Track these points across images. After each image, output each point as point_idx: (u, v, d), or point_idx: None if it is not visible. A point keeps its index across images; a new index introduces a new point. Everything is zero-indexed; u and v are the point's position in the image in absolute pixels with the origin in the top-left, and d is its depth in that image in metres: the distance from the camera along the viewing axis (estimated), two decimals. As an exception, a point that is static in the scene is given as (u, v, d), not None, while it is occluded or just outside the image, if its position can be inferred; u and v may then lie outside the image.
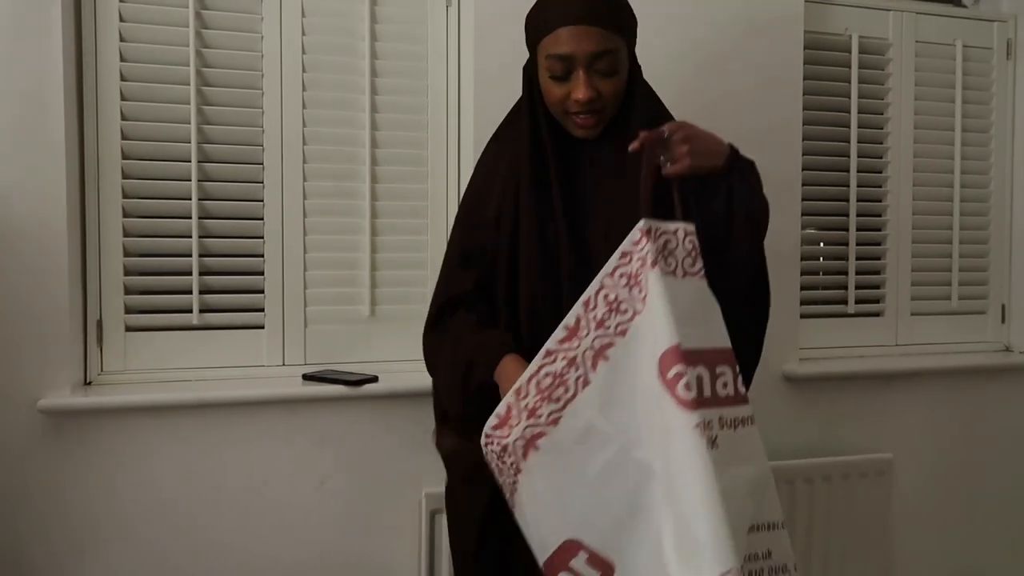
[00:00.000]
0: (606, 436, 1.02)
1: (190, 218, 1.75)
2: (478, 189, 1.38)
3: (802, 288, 2.09)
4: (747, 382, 1.20)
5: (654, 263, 1.02)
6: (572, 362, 1.03)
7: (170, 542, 1.70)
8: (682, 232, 1.09)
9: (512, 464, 1.04)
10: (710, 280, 1.11)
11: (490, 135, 1.73)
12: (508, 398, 1.05)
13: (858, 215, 2.20)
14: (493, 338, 1.23)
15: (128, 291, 1.75)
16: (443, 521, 1.78)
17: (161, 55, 1.74)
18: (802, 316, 2.10)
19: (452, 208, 1.91)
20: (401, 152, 1.89)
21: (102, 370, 1.74)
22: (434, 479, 1.80)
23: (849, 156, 2.19)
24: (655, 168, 1.13)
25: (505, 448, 1.04)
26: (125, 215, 1.73)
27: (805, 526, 2.00)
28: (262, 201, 1.81)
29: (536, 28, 1.24)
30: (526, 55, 1.76)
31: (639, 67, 1.29)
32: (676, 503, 0.96)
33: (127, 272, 1.74)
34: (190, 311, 1.76)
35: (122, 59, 1.71)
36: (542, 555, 1.06)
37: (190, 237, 1.75)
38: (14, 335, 1.61)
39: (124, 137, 1.72)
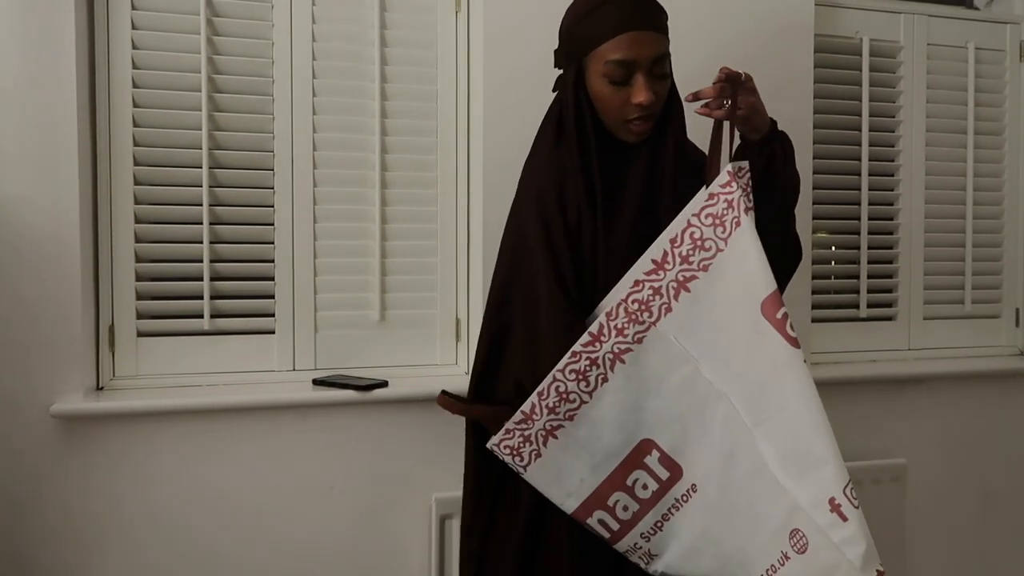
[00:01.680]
0: (683, 356, 1.15)
1: (201, 224, 1.76)
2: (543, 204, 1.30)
3: (814, 292, 2.08)
4: None
5: (747, 209, 1.13)
6: (657, 291, 1.15)
7: (179, 546, 1.70)
8: (744, 171, 1.20)
9: (599, 376, 1.16)
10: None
11: (499, 140, 1.74)
12: (600, 318, 1.16)
13: (870, 218, 2.19)
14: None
15: (140, 296, 1.76)
16: (453, 525, 1.78)
17: (173, 63, 1.75)
18: (814, 320, 2.09)
19: (462, 212, 1.91)
20: (411, 158, 1.89)
21: (114, 375, 1.75)
22: (444, 484, 1.80)
23: (860, 159, 2.18)
24: (732, 109, 1.22)
25: (594, 361, 1.16)
26: (137, 221, 1.75)
27: (818, 532, 1.98)
28: (273, 207, 1.82)
29: (589, 36, 1.23)
30: (535, 59, 1.76)
31: (674, 82, 1.32)
32: (782, 424, 1.09)
33: (139, 278, 1.75)
34: (201, 316, 1.77)
35: (134, 67, 1.73)
36: (613, 461, 1.19)
37: (201, 243, 1.76)
38: (27, 340, 1.62)
39: (136, 144, 1.74)
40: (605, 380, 1.17)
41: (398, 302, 1.89)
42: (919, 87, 2.23)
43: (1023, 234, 2.34)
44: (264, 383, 1.80)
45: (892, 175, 2.22)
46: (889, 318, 2.24)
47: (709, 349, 1.14)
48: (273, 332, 1.83)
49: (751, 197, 1.17)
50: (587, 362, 1.16)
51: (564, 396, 1.17)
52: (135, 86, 1.73)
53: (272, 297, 1.82)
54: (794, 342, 1.09)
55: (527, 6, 1.80)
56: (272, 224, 1.82)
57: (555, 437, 1.19)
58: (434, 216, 1.91)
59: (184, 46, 1.75)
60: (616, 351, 1.16)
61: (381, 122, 1.86)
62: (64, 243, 1.64)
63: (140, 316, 1.76)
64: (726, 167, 1.15)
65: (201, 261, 1.76)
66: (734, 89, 1.21)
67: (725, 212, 1.14)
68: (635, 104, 1.21)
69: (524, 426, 1.20)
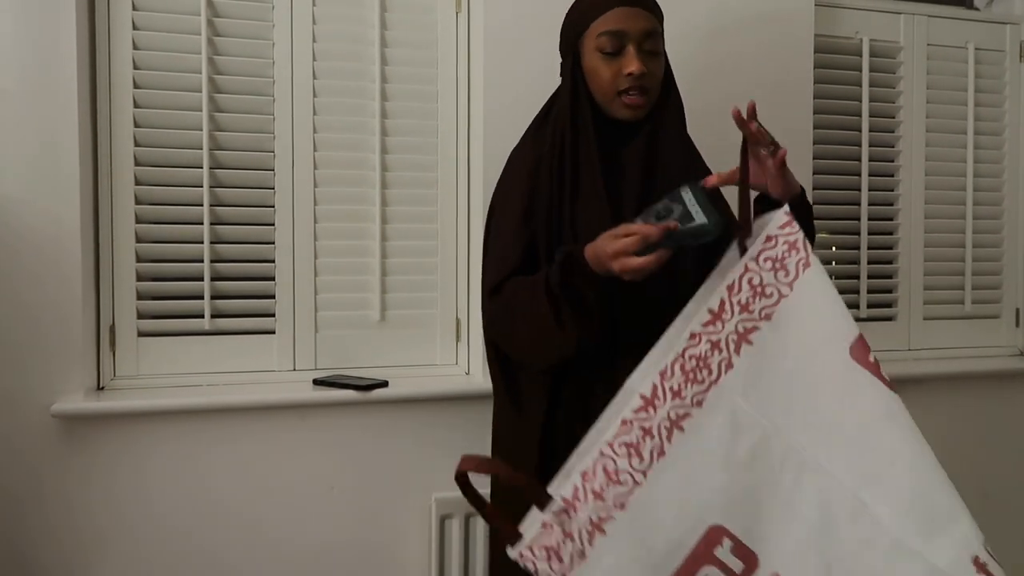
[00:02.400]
0: (752, 419, 1.00)
1: (202, 224, 1.76)
2: (517, 173, 1.37)
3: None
4: None
5: (811, 251, 1.03)
6: (716, 345, 1.02)
7: (180, 545, 1.71)
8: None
9: (653, 449, 0.98)
10: None
11: (499, 141, 1.74)
12: (653, 377, 1.00)
13: (870, 219, 2.19)
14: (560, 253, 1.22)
15: (140, 296, 1.76)
16: (453, 526, 1.79)
17: (174, 63, 1.75)
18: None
19: (462, 212, 1.91)
20: (411, 158, 1.89)
21: (115, 375, 1.75)
22: (444, 484, 1.81)
23: (860, 160, 2.18)
24: (783, 154, 1.16)
25: (647, 431, 0.99)
26: (138, 221, 1.75)
27: (818, 532, 1.98)
28: (273, 207, 1.82)
29: (583, 15, 1.29)
30: (535, 59, 1.77)
31: (671, 71, 1.35)
32: (896, 480, 0.97)
33: (140, 277, 1.76)
34: (202, 316, 1.77)
35: (135, 67, 1.73)
36: (676, 558, 0.98)
37: (202, 243, 1.76)
38: (28, 340, 1.62)
39: (137, 144, 1.74)
40: (662, 454, 0.98)
41: (398, 302, 1.90)
42: (919, 87, 2.23)
43: (1023, 234, 2.34)
44: (264, 383, 1.80)
45: (892, 175, 2.23)
46: (889, 318, 2.24)
47: (783, 408, 1.00)
48: (273, 332, 1.83)
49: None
50: (640, 432, 0.98)
51: (613, 477, 0.96)
52: (136, 86, 1.73)
53: (272, 297, 1.83)
54: (892, 386, 0.98)
55: (527, 7, 1.80)
56: (272, 224, 1.82)
57: (603, 532, 0.95)
58: (434, 216, 1.91)
59: (185, 46, 1.75)
60: (673, 417, 0.99)
61: (381, 122, 1.86)
62: (65, 243, 1.64)
63: (141, 316, 1.76)
64: (783, 208, 1.05)
65: (202, 261, 1.77)
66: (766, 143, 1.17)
67: (787, 255, 1.03)
68: (626, 74, 1.24)
69: (564, 518, 0.95)
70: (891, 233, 2.23)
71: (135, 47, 1.73)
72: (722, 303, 1.02)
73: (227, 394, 1.73)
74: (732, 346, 1.01)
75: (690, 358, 1.01)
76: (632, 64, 1.23)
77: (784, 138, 1.98)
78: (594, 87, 1.29)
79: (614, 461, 0.97)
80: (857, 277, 2.19)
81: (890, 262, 2.23)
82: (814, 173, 2.06)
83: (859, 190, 2.18)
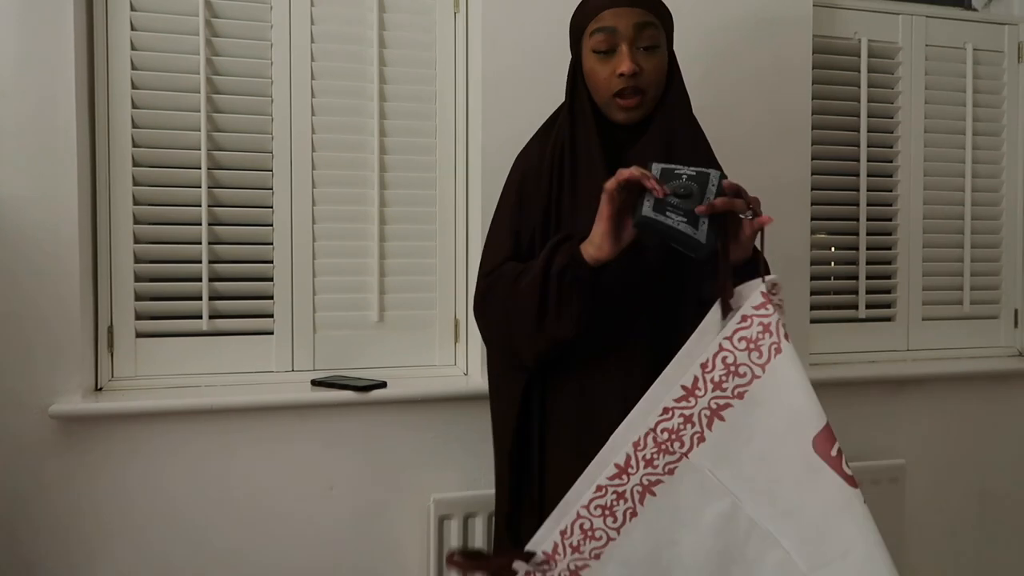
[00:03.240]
0: (720, 489, 1.07)
1: (200, 224, 1.76)
2: (522, 174, 1.38)
3: (812, 293, 2.09)
4: None
5: (787, 335, 1.06)
6: (688, 419, 1.07)
7: (179, 547, 1.70)
8: (778, 288, 1.14)
9: (627, 510, 1.09)
10: None
11: (498, 139, 1.75)
12: (627, 448, 1.08)
13: (868, 219, 2.19)
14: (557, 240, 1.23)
15: (139, 297, 1.76)
16: (451, 526, 1.78)
17: (172, 63, 1.75)
18: (812, 321, 2.09)
19: (460, 212, 1.91)
20: (410, 158, 1.89)
21: (113, 376, 1.75)
22: (442, 485, 1.81)
23: (859, 160, 2.18)
24: (758, 228, 1.17)
25: (621, 495, 1.08)
26: (136, 222, 1.75)
27: (816, 533, 1.98)
28: (271, 208, 1.82)
29: (582, 16, 1.29)
30: (533, 61, 1.77)
31: (678, 67, 1.33)
32: (846, 571, 1.02)
33: (138, 278, 1.75)
34: (200, 317, 1.77)
35: (133, 67, 1.73)
36: None
37: (200, 244, 1.76)
38: (26, 341, 1.62)
39: (135, 144, 1.74)
40: (634, 515, 1.08)
41: (397, 303, 1.89)
42: (917, 88, 2.23)
43: (1021, 235, 2.34)
44: (263, 384, 1.80)
45: (891, 176, 2.23)
46: (888, 319, 2.24)
47: (749, 483, 1.07)
48: (272, 333, 1.83)
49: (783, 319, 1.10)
50: (614, 496, 1.09)
51: (589, 534, 1.08)
52: (134, 87, 1.73)
53: (271, 298, 1.83)
54: (852, 481, 1.01)
55: (525, 7, 1.80)
56: (271, 224, 1.82)
57: None
58: (433, 216, 1.91)
59: (183, 47, 1.75)
60: (646, 483, 1.08)
61: (380, 122, 1.86)
62: (63, 243, 1.64)
63: (139, 317, 1.76)
64: (759, 287, 1.09)
65: (200, 262, 1.76)
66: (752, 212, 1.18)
67: (761, 336, 1.06)
68: (618, 75, 1.23)
69: (544, 568, 1.09)
70: (890, 234, 2.23)
71: (133, 47, 1.73)
72: (695, 380, 1.07)
73: (225, 395, 1.73)
74: (704, 421, 1.07)
75: (662, 431, 1.07)
76: (624, 63, 1.22)
77: (782, 139, 2.01)
78: (592, 90, 1.29)
79: (590, 521, 1.08)
80: (856, 278, 2.19)
81: (889, 263, 2.23)
82: (812, 173, 2.06)
83: (858, 190, 2.18)
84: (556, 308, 1.19)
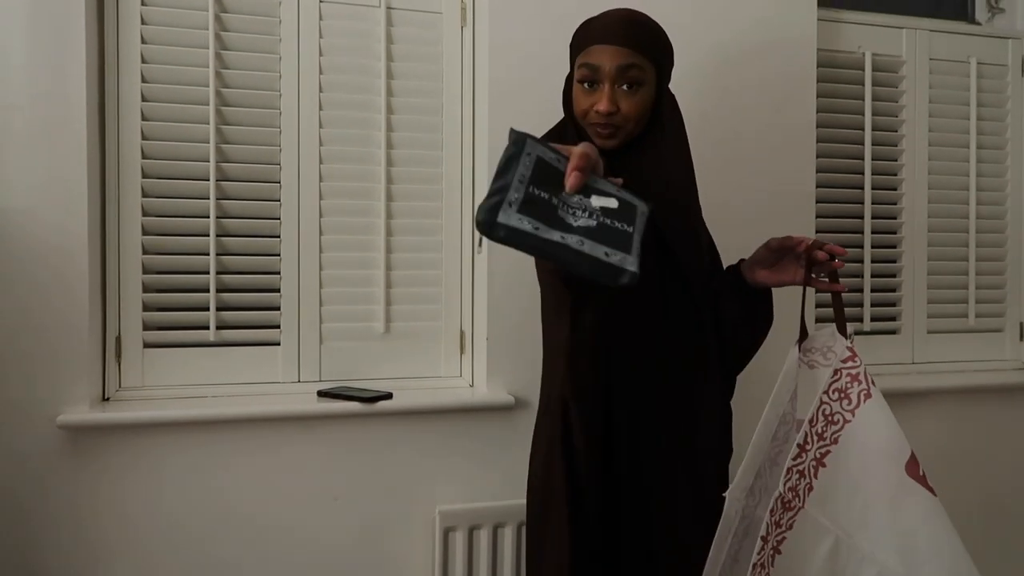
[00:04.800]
0: (824, 529, 1.19)
1: (208, 235, 1.77)
2: None
3: (817, 306, 2.08)
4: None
5: (873, 382, 1.19)
6: (802, 474, 1.20)
7: (185, 557, 1.71)
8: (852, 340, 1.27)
9: (761, 573, 1.20)
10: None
11: (503, 153, 1.76)
12: (765, 518, 1.19)
13: (873, 232, 2.20)
14: None
15: (146, 308, 1.77)
16: (456, 538, 1.78)
17: (182, 76, 1.77)
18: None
19: (467, 224, 1.92)
20: (416, 170, 1.90)
21: (120, 386, 1.76)
22: (448, 497, 1.81)
23: (863, 173, 2.19)
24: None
25: (762, 565, 1.20)
26: (144, 232, 1.76)
27: (822, 546, 1.98)
28: (279, 219, 1.83)
29: (577, 42, 1.33)
30: (539, 74, 1.79)
31: (672, 97, 1.35)
32: (941, 569, 1.15)
33: (146, 289, 1.76)
34: (207, 328, 1.78)
35: (143, 80, 1.75)
36: None
37: (208, 255, 1.77)
38: (34, 351, 1.63)
39: (144, 156, 1.75)
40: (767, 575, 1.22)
41: (403, 314, 1.90)
42: (921, 101, 2.24)
43: (1026, 248, 2.35)
44: (269, 394, 1.80)
45: (895, 189, 2.23)
46: (893, 332, 2.24)
47: (846, 515, 1.18)
48: (278, 343, 1.84)
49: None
50: (759, 569, 1.20)
51: None
52: (144, 99, 1.75)
53: (278, 309, 1.83)
54: (934, 492, 1.16)
55: (532, 21, 1.82)
56: (278, 236, 1.83)
57: None
58: (439, 228, 1.92)
59: (192, 60, 1.77)
60: (775, 544, 1.21)
61: (387, 135, 1.87)
62: (72, 254, 1.65)
63: (146, 327, 1.77)
64: (844, 343, 1.23)
65: (207, 273, 1.77)
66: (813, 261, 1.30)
67: (850, 385, 1.20)
68: (595, 111, 1.27)
69: None
70: (894, 246, 2.24)
71: (143, 61, 1.75)
72: (806, 436, 1.20)
73: (232, 406, 1.73)
74: (812, 471, 1.20)
75: (788, 491, 1.20)
76: (602, 103, 1.25)
77: (787, 151, 2.02)
78: (576, 114, 1.32)
79: None
80: (861, 290, 2.20)
81: (894, 275, 2.24)
82: (817, 186, 2.07)
83: (862, 203, 2.19)
84: None
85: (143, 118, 1.75)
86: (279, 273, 1.83)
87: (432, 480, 1.81)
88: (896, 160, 2.23)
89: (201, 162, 1.77)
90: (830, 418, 1.20)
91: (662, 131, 1.32)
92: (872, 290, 2.20)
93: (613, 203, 0.89)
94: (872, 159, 2.19)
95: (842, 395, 1.20)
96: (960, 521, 2.15)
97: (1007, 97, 2.33)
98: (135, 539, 1.69)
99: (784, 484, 1.19)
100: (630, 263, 0.87)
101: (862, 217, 2.19)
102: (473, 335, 1.90)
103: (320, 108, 1.84)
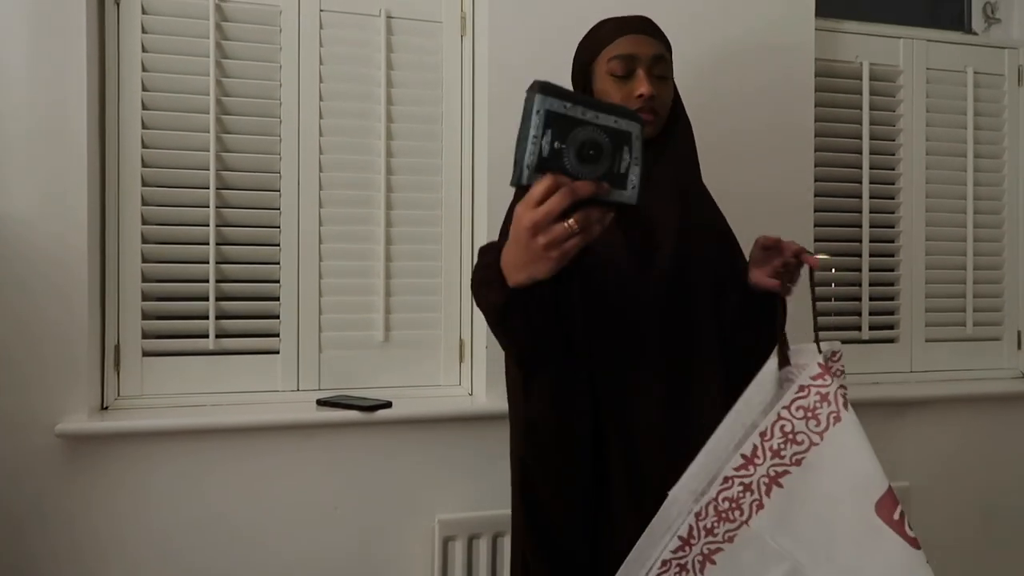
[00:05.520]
0: (779, 555, 1.10)
1: (207, 244, 1.77)
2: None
3: (815, 314, 2.09)
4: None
5: (846, 404, 1.10)
6: (748, 487, 1.11)
7: (183, 565, 1.70)
8: (838, 356, 1.20)
9: None
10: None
11: (503, 163, 1.76)
12: (690, 519, 1.11)
13: (871, 241, 2.21)
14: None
15: (145, 316, 1.77)
16: (456, 547, 1.78)
17: (182, 83, 1.77)
18: (815, 342, 2.09)
19: (466, 233, 1.92)
20: (416, 178, 1.91)
21: (119, 395, 1.75)
22: (447, 506, 1.81)
23: (861, 182, 2.19)
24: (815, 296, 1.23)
25: (683, 566, 1.12)
26: (144, 240, 1.76)
27: (821, 555, 1.98)
28: (279, 227, 1.83)
29: (596, 42, 1.32)
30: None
31: (680, 98, 1.37)
32: None
33: (145, 297, 1.76)
34: (206, 336, 1.78)
35: (144, 88, 1.75)
36: None
37: (207, 263, 1.77)
38: (33, 359, 1.63)
39: (144, 164, 1.75)
40: None
41: (402, 323, 1.90)
42: (919, 111, 2.25)
43: None
44: (268, 403, 1.80)
45: (893, 198, 2.24)
46: (891, 340, 2.25)
47: (808, 545, 1.09)
48: (277, 352, 1.84)
49: (845, 385, 1.16)
50: (676, 569, 1.12)
51: None
52: (144, 106, 1.75)
53: (277, 317, 1.83)
54: (915, 543, 1.04)
55: (531, 31, 1.83)
56: (278, 244, 1.83)
57: None
58: (438, 237, 1.92)
59: (194, 68, 1.77)
60: (706, 552, 1.11)
61: (387, 144, 1.88)
62: (71, 263, 1.65)
63: (145, 336, 1.77)
64: (817, 359, 1.13)
65: (207, 281, 1.77)
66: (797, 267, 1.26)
67: (818, 405, 1.11)
68: (637, 96, 1.26)
69: None
70: (892, 255, 2.24)
71: (144, 69, 1.75)
72: (755, 449, 1.11)
73: (231, 414, 1.73)
74: (763, 488, 1.10)
75: (723, 500, 1.11)
76: (643, 86, 1.26)
77: (785, 161, 2.03)
78: None
79: None
80: (859, 299, 2.20)
81: (892, 284, 2.24)
82: (815, 195, 2.07)
83: (860, 212, 2.19)
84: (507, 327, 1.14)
85: (143, 126, 1.75)
86: (278, 281, 1.83)
87: (431, 489, 1.81)
88: (894, 169, 2.24)
89: (201, 170, 1.77)
90: (791, 437, 1.10)
91: (684, 127, 1.36)
92: (870, 299, 2.21)
93: (606, 139, 0.90)
94: (870, 168, 2.20)
95: (808, 414, 1.11)
96: (959, 529, 2.18)
97: (1003, 107, 2.34)
98: (133, 547, 1.68)
99: (720, 491, 1.11)
100: (625, 197, 0.91)
101: (860, 226, 2.19)
102: (472, 344, 1.90)
103: (320, 116, 1.84)
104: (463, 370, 1.93)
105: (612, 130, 0.89)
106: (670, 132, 1.33)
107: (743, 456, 1.11)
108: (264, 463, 1.74)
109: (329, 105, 1.85)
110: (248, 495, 1.73)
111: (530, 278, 0.96)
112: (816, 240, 2.09)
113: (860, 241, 2.19)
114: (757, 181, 1.97)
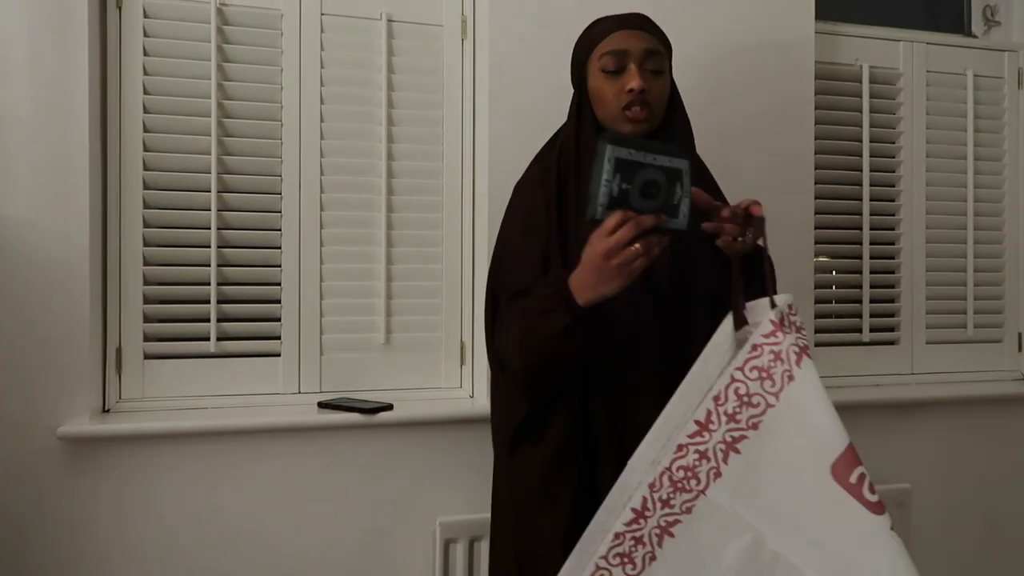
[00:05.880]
0: (740, 525, 1.04)
1: (209, 247, 1.77)
2: (523, 201, 1.40)
3: (816, 316, 2.09)
4: None
5: (799, 360, 1.03)
6: (703, 455, 1.05)
7: (183, 569, 1.70)
8: (795, 306, 1.11)
9: (646, 555, 1.06)
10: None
11: (504, 165, 1.77)
12: (643, 491, 1.06)
13: (872, 243, 2.21)
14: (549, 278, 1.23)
15: (147, 319, 1.77)
16: (457, 550, 1.78)
17: (184, 88, 1.78)
18: (816, 344, 2.10)
19: (467, 235, 1.93)
20: (417, 182, 1.91)
21: (120, 397, 1.76)
22: (449, 508, 1.81)
23: (861, 185, 2.20)
24: (762, 251, 1.17)
25: (639, 540, 1.06)
26: (145, 244, 1.76)
27: (822, 557, 1.98)
28: (280, 230, 1.83)
29: (589, 40, 1.33)
30: (539, 86, 1.80)
31: (679, 96, 1.37)
32: None
33: (146, 300, 1.77)
34: (208, 339, 1.78)
35: (145, 92, 1.75)
36: None
37: (209, 266, 1.78)
38: (35, 362, 1.63)
39: (146, 168, 1.76)
40: (653, 559, 1.05)
41: (403, 325, 1.90)
42: (919, 113, 2.26)
43: (1024, 259, 2.36)
44: (269, 405, 1.80)
45: (893, 200, 2.24)
46: (892, 342, 2.25)
47: (771, 515, 1.03)
48: (279, 355, 1.84)
49: (804, 339, 1.07)
50: (632, 542, 1.06)
51: None
52: (146, 111, 1.76)
53: (278, 320, 1.84)
54: (876, 507, 0.98)
55: (532, 34, 1.83)
56: (279, 247, 1.83)
57: None
58: (439, 240, 1.92)
59: (195, 72, 1.78)
60: (663, 524, 1.06)
61: (388, 146, 1.88)
62: (73, 266, 1.65)
63: (147, 338, 1.77)
64: (769, 315, 1.06)
65: (208, 284, 1.78)
66: (749, 223, 1.17)
67: (772, 364, 1.04)
68: (627, 91, 1.26)
69: None
70: (893, 257, 2.25)
71: (146, 72, 1.75)
72: (709, 414, 1.05)
73: (232, 417, 1.73)
74: (720, 455, 1.05)
75: (678, 469, 1.05)
76: (633, 80, 1.26)
77: (785, 163, 2.03)
78: (599, 107, 1.31)
79: (609, 571, 1.06)
80: (859, 301, 2.20)
81: (892, 286, 2.24)
82: (816, 198, 2.08)
83: (860, 215, 2.19)
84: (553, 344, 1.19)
85: (145, 129, 1.76)
86: (280, 284, 1.83)
87: (433, 491, 1.81)
88: (894, 172, 2.24)
89: (203, 173, 1.78)
90: (746, 399, 1.04)
91: (683, 122, 1.36)
92: (871, 300, 2.21)
93: (663, 177, 1.06)
94: (870, 171, 2.20)
95: (763, 375, 1.04)
96: (961, 532, 2.18)
97: (1003, 109, 2.34)
98: (134, 551, 1.68)
99: (673, 460, 1.05)
100: (677, 224, 1.08)
101: (861, 228, 2.19)
102: (474, 346, 1.91)
103: (321, 120, 1.85)
104: (464, 372, 1.94)
105: (667, 169, 1.06)
106: (667, 127, 1.33)
107: (696, 423, 1.06)
108: (265, 466, 1.74)
109: (330, 108, 1.86)
110: (249, 498, 1.73)
111: (600, 296, 1.11)
112: (817, 243, 2.09)
113: (861, 244, 2.19)
114: (757, 185, 1.96)
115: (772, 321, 1.06)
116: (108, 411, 1.74)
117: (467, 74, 1.92)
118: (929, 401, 2.17)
